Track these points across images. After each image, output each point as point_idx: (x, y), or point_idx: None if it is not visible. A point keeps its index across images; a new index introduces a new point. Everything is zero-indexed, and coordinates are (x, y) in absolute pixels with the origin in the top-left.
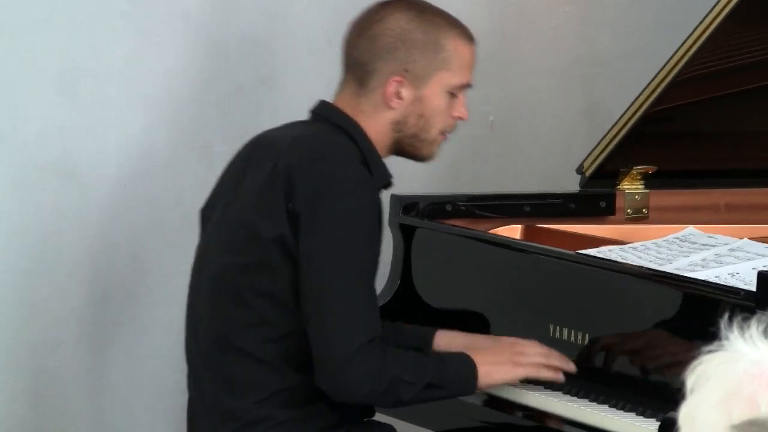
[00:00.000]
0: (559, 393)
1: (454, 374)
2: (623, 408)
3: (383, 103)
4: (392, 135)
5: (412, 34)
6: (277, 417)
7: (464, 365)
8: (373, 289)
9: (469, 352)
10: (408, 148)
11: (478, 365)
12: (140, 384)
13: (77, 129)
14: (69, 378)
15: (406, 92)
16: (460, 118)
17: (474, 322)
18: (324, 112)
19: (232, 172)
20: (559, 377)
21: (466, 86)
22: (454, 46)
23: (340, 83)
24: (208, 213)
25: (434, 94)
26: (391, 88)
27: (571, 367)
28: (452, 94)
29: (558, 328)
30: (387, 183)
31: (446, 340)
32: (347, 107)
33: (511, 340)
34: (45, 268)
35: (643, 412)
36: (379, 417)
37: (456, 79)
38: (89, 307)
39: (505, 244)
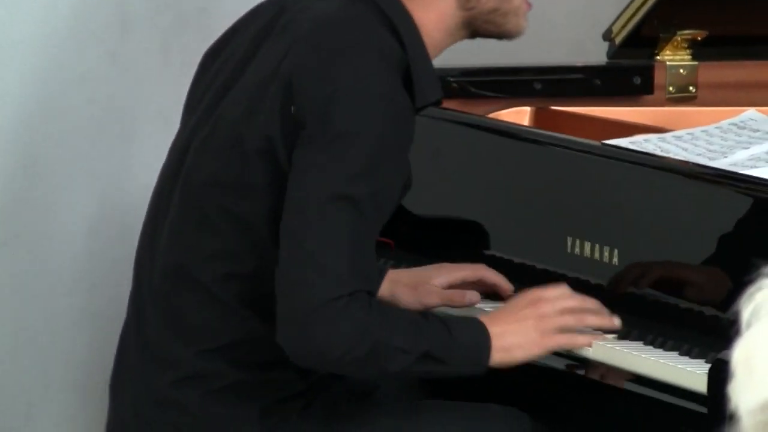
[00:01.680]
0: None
1: (461, 347)
2: (662, 346)
3: None
4: (460, 15)
5: None
6: (225, 376)
7: (476, 337)
8: (372, 233)
9: (481, 319)
10: (486, 26)
11: (493, 337)
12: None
13: None
14: None
15: None
16: None
17: (467, 236)
18: None
19: (240, 42)
20: (598, 338)
21: None
22: None
23: None
24: (194, 101)
25: None
26: None
27: (616, 322)
28: None
29: (578, 242)
30: (433, 102)
31: (390, 282)
32: None
33: (530, 296)
34: None
35: (689, 351)
36: None
37: None
38: None
39: (510, 132)
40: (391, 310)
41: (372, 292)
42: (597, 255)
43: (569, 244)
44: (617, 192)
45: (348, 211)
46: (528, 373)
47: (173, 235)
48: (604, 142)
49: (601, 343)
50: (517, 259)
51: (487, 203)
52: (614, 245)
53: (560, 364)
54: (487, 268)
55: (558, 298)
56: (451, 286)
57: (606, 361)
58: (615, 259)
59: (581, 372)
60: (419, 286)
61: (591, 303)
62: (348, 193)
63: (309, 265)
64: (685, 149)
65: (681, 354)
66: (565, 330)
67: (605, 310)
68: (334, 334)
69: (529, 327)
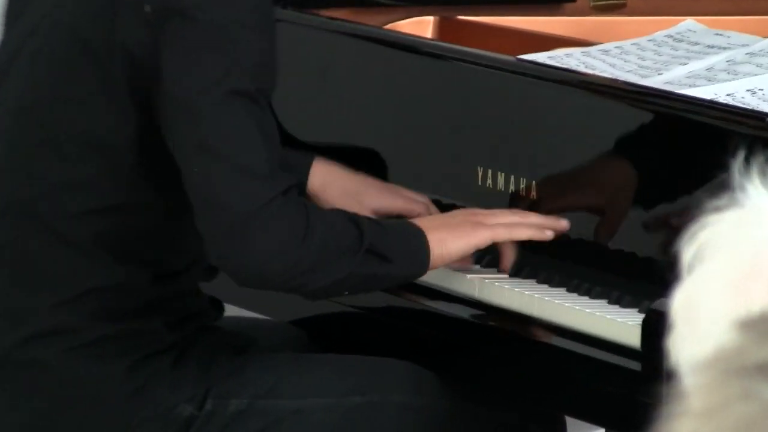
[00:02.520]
0: (495, 273)
1: (400, 240)
2: (588, 293)
3: None
4: None
5: None
6: (85, 330)
7: (408, 229)
8: (274, 129)
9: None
10: None
11: (426, 230)
12: None
13: None
14: None
15: None
16: None
17: (362, 169)
18: None
19: None
20: (545, 234)
21: None
22: None
23: None
24: (16, 5)
25: None
26: None
27: (562, 224)
28: None
29: (489, 173)
30: None
31: (322, 180)
32: None
33: (463, 210)
34: None
35: (619, 299)
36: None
37: None
38: None
39: (410, 46)
40: (321, 208)
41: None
42: (512, 187)
43: (480, 175)
44: (534, 115)
45: (247, 104)
46: (432, 324)
47: (7, 163)
48: (519, 57)
49: (517, 290)
50: (419, 195)
51: (383, 130)
52: (531, 177)
53: (467, 313)
54: (428, 200)
55: (495, 211)
56: (386, 216)
57: (523, 310)
58: (533, 192)
59: (493, 323)
60: (357, 195)
61: (534, 217)
62: (240, 88)
63: (229, 170)
64: (613, 65)
65: (610, 303)
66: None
67: (552, 222)
68: (279, 241)
69: (461, 221)
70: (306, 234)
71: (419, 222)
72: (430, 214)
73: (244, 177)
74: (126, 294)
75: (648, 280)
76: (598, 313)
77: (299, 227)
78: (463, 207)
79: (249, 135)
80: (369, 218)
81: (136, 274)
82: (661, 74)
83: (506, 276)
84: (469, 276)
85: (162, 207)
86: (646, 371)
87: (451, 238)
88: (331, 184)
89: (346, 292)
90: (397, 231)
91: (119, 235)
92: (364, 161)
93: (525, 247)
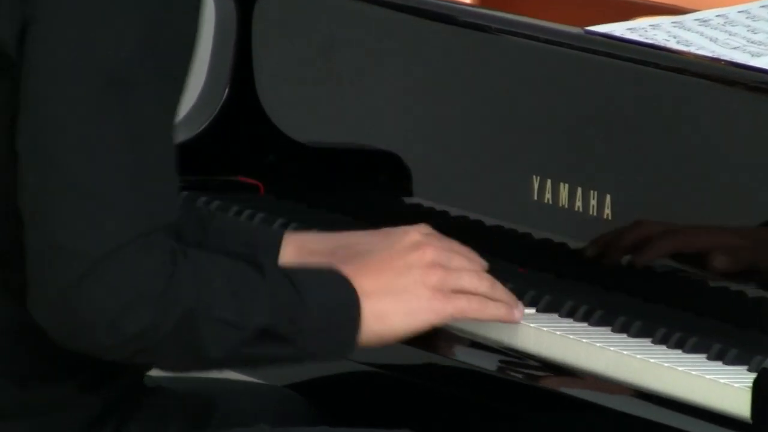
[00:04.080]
0: (554, 315)
1: (316, 315)
2: (680, 345)
3: None
4: None
5: None
6: None
7: (337, 296)
8: (166, 130)
9: (342, 269)
10: None
11: (362, 297)
12: None
13: None
14: None
15: None
16: None
17: (376, 176)
18: None
19: None
20: (513, 316)
21: None
22: None
23: None
24: None
25: None
26: None
27: (515, 315)
28: None
29: (549, 184)
30: None
31: (298, 250)
32: None
33: (412, 236)
34: None
35: (722, 353)
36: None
37: None
38: None
39: (444, 14)
40: (207, 257)
41: (174, 228)
42: (578, 203)
43: (536, 187)
44: (607, 107)
45: (119, 102)
46: (440, 377)
47: None
48: (587, 28)
49: (583, 341)
50: (455, 211)
51: (406, 125)
52: (605, 189)
53: (492, 363)
54: (433, 232)
55: (454, 244)
56: None
57: (589, 367)
58: (607, 210)
59: (542, 383)
60: (338, 250)
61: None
62: (116, 75)
63: (71, 199)
64: (715, 40)
65: (710, 358)
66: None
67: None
68: (127, 298)
69: (416, 279)
70: (168, 291)
71: (354, 277)
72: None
73: (92, 210)
74: (22, 348)
75: (761, 328)
76: (694, 372)
77: (161, 281)
78: (513, 229)
79: (110, 144)
80: (279, 273)
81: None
82: None
83: (559, 318)
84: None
85: None
86: None
87: (396, 311)
88: (305, 251)
89: (230, 366)
90: (317, 292)
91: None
92: (381, 168)
93: (595, 282)
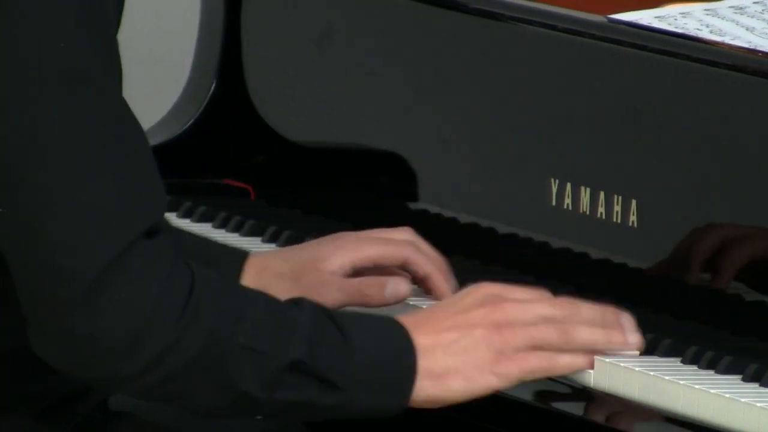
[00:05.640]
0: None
1: (364, 364)
2: (713, 365)
3: None
4: None
5: None
6: None
7: (392, 349)
8: (130, 119)
9: (400, 319)
10: None
11: (418, 353)
12: None
13: None
14: None
15: None
16: None
17: (378, 179)
18: None
19: None
20: (589, 365)
21: None
22: None
23: None
24: None
25: None
26: None
27: (632, 340)
28: None
29: (569, 188)
30: None
31: (259, 272)
32: None
33: (483, 290)
34: None
35: (759, 374)
36: None
37: None
38: None
39: (454, 2)
40: (220, 279)
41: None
42: (601, 209)
43: (554, 191)
44: (634, 103)
45: (81, 96)
46: (486, 409)
47: None
48: (611, 16)
49: (607, 361)
50: (464, 217)
51: (410, 123)
52: (630, 193)
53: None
54: (416, 236)
55: (530, 300)
56: (358, 272)
57: (620, 392)
58: (632, 217)
59: (578, 412)
60: (304, 275)
61: (593, 312)
62: (69, 67)
63: (57, 214)
64: (752, 29)
65: (745, 379)
66: (538, 348)
67: (624, 321)
68: (141, 305)
69: (479, 340)
70: (185, 310)
71: (414, 329)
72: (420, 257)
73: (80, 221)
74: None
75: None
76: (728, 395)
77: (177, 298)
78: (529, 237)
79: (83, 144)
80: (320, 311)
81: None
82: None
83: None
84: None
85: None
86: None
87: (454, 373)
88: (267, 274)
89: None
90: (367, 339)
91: None
92: (384, 170)
93: (612, 295)
